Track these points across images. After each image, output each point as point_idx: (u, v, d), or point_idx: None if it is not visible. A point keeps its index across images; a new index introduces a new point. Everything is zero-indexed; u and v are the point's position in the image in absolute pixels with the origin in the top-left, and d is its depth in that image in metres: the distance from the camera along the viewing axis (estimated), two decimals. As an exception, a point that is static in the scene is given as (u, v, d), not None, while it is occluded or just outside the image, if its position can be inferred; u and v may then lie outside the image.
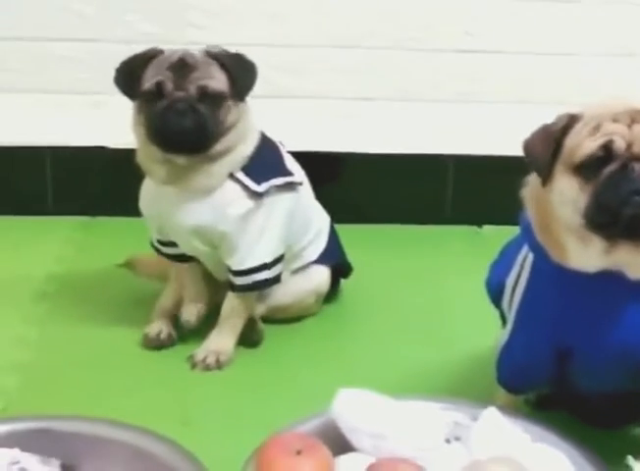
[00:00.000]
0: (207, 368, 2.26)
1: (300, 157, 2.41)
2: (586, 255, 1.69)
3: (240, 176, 2.25)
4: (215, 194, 2.24)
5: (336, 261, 2.53)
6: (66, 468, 1.71)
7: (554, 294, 1.75)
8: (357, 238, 2.78)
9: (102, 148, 3.00)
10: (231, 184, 2.24)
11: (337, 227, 2.57)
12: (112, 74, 2.90)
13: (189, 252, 2.36)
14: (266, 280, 2.32)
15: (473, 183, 3.02)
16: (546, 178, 1.70)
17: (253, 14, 2.96)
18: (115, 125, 2.98)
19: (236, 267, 2.29)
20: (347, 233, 2.66)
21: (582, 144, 1.66)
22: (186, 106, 2.16)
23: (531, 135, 1.74)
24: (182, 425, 2.00)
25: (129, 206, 2.96)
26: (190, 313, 2.37)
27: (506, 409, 1.76)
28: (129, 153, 2.96)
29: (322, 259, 2.47)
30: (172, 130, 2.17)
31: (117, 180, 3.02)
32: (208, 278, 2.42)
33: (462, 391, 2.12)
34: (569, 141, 1.68)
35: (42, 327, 2.41)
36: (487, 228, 3.00)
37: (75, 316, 2.46)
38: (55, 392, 2.14)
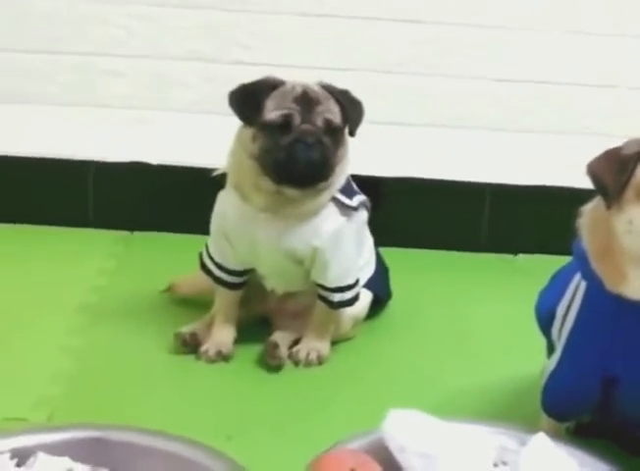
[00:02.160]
0: (310, 364, 2.34)
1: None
2: None
3: (338, 194, 2.29)
4: (314, 217, 2.27)
5: (379, 291, 2.56)
6: (115, 477, 1.72)
7: (605, 323, 1.76)
8: (394, 263, 2.79)
9: (144, 164, 3.02)
10: (329, 205, 2.28)
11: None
12: (156, 90, 3.01)
13: (267, 271, 2.38)
14: (356, 295, 2.38)
15: (509, 212, 3.04)
16: (614, 203, 1.69)
17: (297, 36, 3.00)
18: (158, 141, 3.03)
19: (334, 284, 2.33)
20: (384, 256, 2.69)
21: None
22: (314, 139, 2.18)
23: (599, 159, 1.72)
24: (226, 440, 2.02)
25: (167, 222, 3.02)
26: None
27: (551, 436, 1.78)
28: (170, 170, 3.03)
29: (367, 284, 2.49)
30: (298, 164, 2.18)
31: (157, 195, 3.05)
32: (258, 290, 2.45)
33: (504, 415, 2.14)
34: None
35: (85, 337, 2.43)
36: (522, 256, 3.02)
37: (117, 327, 2.49)
38: (99, 401, 2.16)
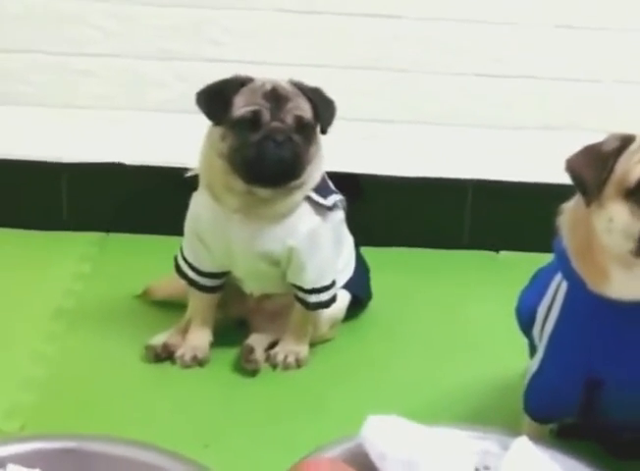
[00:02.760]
0: (288, 367, 2.32)
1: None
2: (630, 283, 1.66)
3: (312, 194, 2.25)
4: (288, 217, 2.23)
5: (359, 291, 2.52)
6: (87, 489, 1.69)
7: (587, 324, 1.73)
8: (375, 262, 2.74)
9: (119, 164, 2.97)
10: (303, 204, 2.25)
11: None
12: (130, 89, 2.96)
13: (243, 273, 2.34)
14: (333, 297, 2.35)
15: (491, 208, 3.00)
16: (593, 200, 1.65)
17: (272, 33, 2.94)
18: (133, 141, 2.98)
19: (310, 285, 2.30)
20: (365, 255, 2.65)
21: (636, 168, 1.61)
22: (284, 137, 2.13)
23: (577, 155, 1.69)
24: (203, 447, 1.98)
25: (143, 223, 2.97)
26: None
27: (532, 438, 1.74)
28: (145, 170, 2.98)
29: (345, 285, 2.45)
30: (268, 162, 2.14)
31: (132, 196, 3.00)
32: (235, 292, 2.41)
33: (486, 417, 2.12)
34: (621, 165, 1.63)
35: (59, 343, 2.39)
36: (504, 253, 2.98)
37: (92, 333, 2.44)
38: (73, 409, 2.13)
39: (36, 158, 2.96)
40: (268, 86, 2.18)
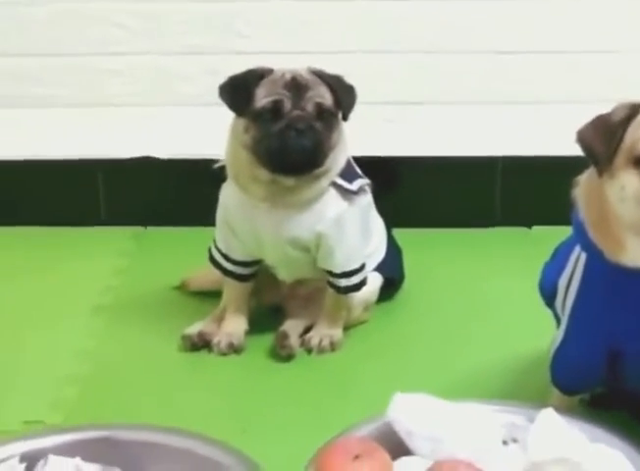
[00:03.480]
0: (322, 351, 2.35)
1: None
2: None
3: (337, 179, 2.28)
4: (314, 204, 2.26)
5: (392, 273, 2.54)
6: (127, 476, 1.73)
7: (607, 293, 1.74)
8: (407, 243, 2.77)
9: (152, 159, 3.03)
10: (329, 190, 2.28)
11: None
12: (158, 85, 3.01)
13: (274, 261, 2.38)
14: (364, 280, 2.38)
15: (522, 184, 3.01)
16: (605, 170, 1.67)
17: (294, 22, 2.98)
18: (165, 135, 3.04)
19: (340, 269, 2.33)
20: (397, 237, 2.68)
21: None
22: (305, 125, 2.16)
23: (587, 126, 1.70)
24: (241, 432, 2.02)
25: (180, 215, 3.02)
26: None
27: (561, 410, 1.76)
28: (179, 163, 3.03)
29: (377, 268, 2.48)
30: (290, 150, 2.17)
31: (166, 189, 3.06)
32: (269, 279, 2.45)
33: (517, 392, 2.13)
34: (631, 133, 1.64)
35: (100, 339, 2.45)
36: (536, 228, 2.99)
37: (130, 327, 2.49)
38: (114, 402, 2.18)
39: (72, 157, 3.02)
40: (288, 76, 2.20)
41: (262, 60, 2.81)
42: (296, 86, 2.19)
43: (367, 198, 2.39)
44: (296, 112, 2.18)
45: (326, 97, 2.22)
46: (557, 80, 2.97)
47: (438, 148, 3.01)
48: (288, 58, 2.82)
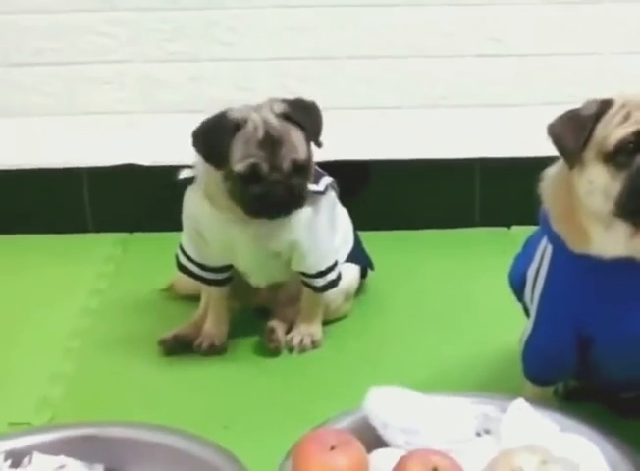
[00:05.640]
0: (304, 349, 2.40)
1: (328, 166, 2.45)
2: (610, 241, 1.72)
3: None
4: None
5: (362, 262, 2.59)
6: (110, 473, 1.76)
7: (573, 283, 1.78)
8: (387, 244, 2.84)
9: (136, 166, 3.07)
10: None
11: (365, 233, 2.64)
12: (143, 93, 3.05)
13: (246, 267, 2.41)
14: (339, 275, 2.43)
15: (500, 185, 3.06)
16: (574, 163, 1.71)
17: (276, 28, 3.01)
18: (148, 143, 3.07)
19: (314, 269, 2.38)
20: (377, 239, 2.73)
21: (614, 132, 1.67)
22: (283, 187, 2.20)
23: (558, 120, 1.75)
24: (223, 429, 2.06)
25: (164, 221, 3.05)
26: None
27: (534, 401, 1.80)
28: (161, 170, 3.06)
29: (349, 259, 2.52)
30: (270, 208, 2.22)
31: (151, 196, 3.09)
32: (245, 284, 2.48)
33: (492, 386, 2.17)
34: (601, 128, 1.70)
35: (85, 339, 2.48)
36: (515, 228, 3.03)
37: (116, 328, 2.53)
38: (99, 401, 2.21)
39: (57, 165, 3.06)
40: (260, 133, 2.20)
41: (243, 67, 2.88)
42: (271, 144, 2.20)
43: (332, 195, 2.42)
44: (274, 175, 2.20)
45: (300, 148, 2.23)
46: (533, 83, 3.02)
47: (417, 151, 3.05)
48: (269, 64, 2.89)
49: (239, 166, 2.20)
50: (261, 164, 2.20)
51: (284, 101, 2.26)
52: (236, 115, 2.22)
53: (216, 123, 2.23)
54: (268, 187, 2.20)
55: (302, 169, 2.24)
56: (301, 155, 2.24)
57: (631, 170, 1.67)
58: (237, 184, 2.21)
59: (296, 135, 2.24)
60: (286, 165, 2.21)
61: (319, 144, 2.27)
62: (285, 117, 2.23)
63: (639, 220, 1.70)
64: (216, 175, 2.25)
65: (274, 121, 2.22)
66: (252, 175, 2.20)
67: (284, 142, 2.21)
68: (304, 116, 2.26)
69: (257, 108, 2.24)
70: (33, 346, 2.45)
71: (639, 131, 1.67)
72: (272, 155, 2.20)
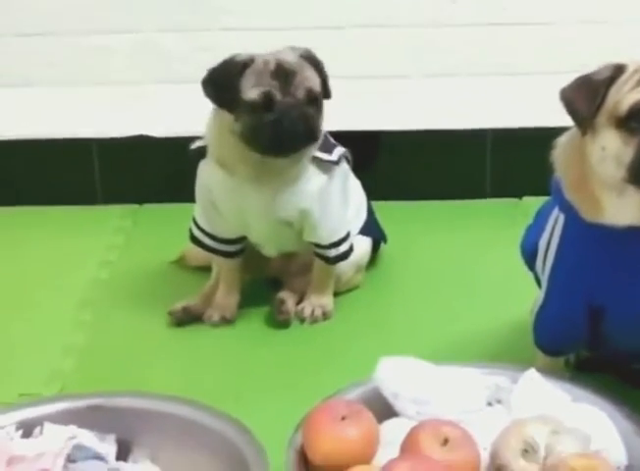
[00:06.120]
0: (315, 320, 2.40)
1: (339, 137, 2.43)
2: (623, 209, 1.71)
3: (317, 153, 2.29)
4: (298, 181, 2.28)
5: (375, 235, 2.58)
6: (121, 443, 1.77)
7: (585, 253, 1.77)
8: (399, 215, 2.82)
9: (146, 137, 3.06)
10: (310, 165, 2.29)
11: (377, 204, 2.62)
12: (151, 63, 3.03)
13: (259, 237, 2.40)
14: (351, 246, 2.42)
15: (511, 156, 3.04)
16: (587, 129, 1.69)
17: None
18: (157, 114, 3.06)
19: (327, 240, 2.37)
20: (389, 210, 2.72)
21: (627, 97, 1.65)
22: (297, 113, 2.16)
23: (571, 85, 1.73)
24: (234, 399, 2.06)
25: (175, 192, 3.05)
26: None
27: (545, 371, 1.80)
28: (171, 141, 3.05)
29: (362, 231, 2.51)
30: (285, 138, 2.17)
31: (161, 167, 3.09)
32: (257, 255, 2.48)
33: (503, 356, 2.17)
34: (613, 93, 1.67)
35: (97, 310, 2.49)
36: (527, 199, 3.01)
37: (126, 300, 2.53)
38: (110, 372, 2.22)
39: (67, 135, 3.05)
40: (272, 64, 2.18)
41: (251, 37, 2.86)
42: (284, 74, 2.17)
43: (345, 166, 2.41)
44: (288, 100, 2.17)
45: (313, 80, 2.21)
46: (545, 52, 2.99)
47: (428, 121, 3.03)
48: (277, 34, 2.86)
49: (250, 94, 2.15)
50: (274, 92, 2.16)
51: (305, 49, 2.24)
52: (242, 56, 2.20)
53: (223, 65, 2.21)
54: (282, 113, 2.15)
55: (317, 101, 2.21)
56: (316, 86, 2.20)
57: None
58: (250, 117, 2.17)
59: (310, 72, 2.21)
60: (300, 93, 2.18)
61: (330, 95, 2.25)
62: (300, 55, 2.22)
63: None
64: (227, 124, 2.21)
65: (288, 56, 2.21)
66: (265, 102, 2.16)
67: (297, 73, 2.18)
68: (321, 66, 2.24)
69: (272, 51, 2.23)
70: (44, 318, 2.45)
71: None
72: (285, 83, 2.17)
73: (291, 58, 2.21)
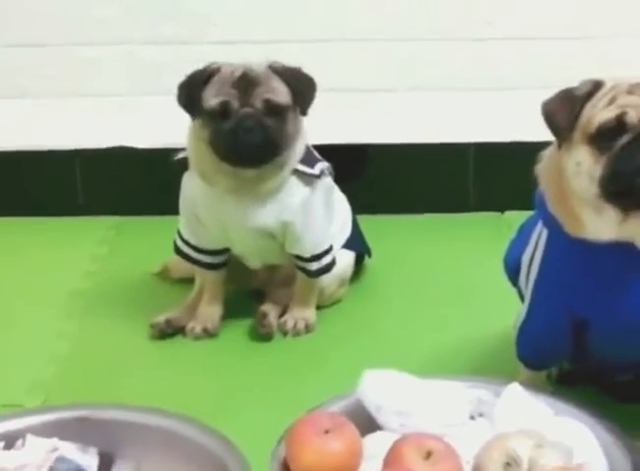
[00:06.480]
0: (298, 333, 2.40)
1: (323, 150, 2.45)
2: (600, 225, 1.72)
3: (298, 166, 2.31)
4: (279, 193, 2.29)
5: (359, 249, 2.59)
6: (104, 456, 1.75)
7: (569, 267, 1.78)
8: (382, 228, 2.83)
9: (128, 148, 3.05)
10: (291, 178, 2.31)
11: (361, 217, 2.63)
12: (137, 75, 3.04)
13: (242, 249, 2.41)
14: (333, 260, 2.43)
15: (494, 170, 3.06)
16: (565, 142, 1.71)
17: (272, 10, 3.00)
18: (142, 125, 3.06)
19: (309, 253, 2.38)
20: (372, 223, 2.72)
21: (598, 115, 1.68)
22: (253, 122, 2.18)
23: (553, 98, 1.76)
24: (217, 412, 2.06)
25: (157, 204, 3.05)
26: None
27: (528, 385, 1.80)
28: (154, 152, 3.05)
29: (346, 245, 2.52)
30: (241, 148, 2.20)
31: (144, 179, 3.08)
32: (241, 266, 2.48)
33: (486, 370, 2.17)
34: (588, 109, 1.70)
35: (79, 321, 2.49)
36: (509, 213, 3.03)
37: (109, 311, 2.53)
38: (92, 383, 2.22)
39: (49, 147, 3.05)
40: (237, 73, 2.21)
41: (237, 50, 2.85)
42: (246, 83, 2.20)
43: (328, 180, 2.42)
44: (245, 110, 2.19)
45: (277, 91, 2.22)
46: (529, 67, 3.01)
47: (412, 135, 3.04)
48: (264, 47, 2.87)
49: (210, 103, 2.20)
50: (231, 101, 2.19)
51: (280, 63, 2.26)
52: (213, 65, 2.24)
53: (191, 74, 2.26)
54: (238, 122, 2.18)
55: (278, 112, 2.22)
56: (277, 98, 2.22)
57: (611, 153, 1.67)
58: (210, 126, 2.21)
59: (279, 84, 2.23)
60: (258, 103, 2.20)
61: (304, 111, 2.26)
62: (272, 70, 2.24)
63: (623, 203, 1.69)
64: (198, 132, 2.25)
65: (257, 66, 2.24)
66: (222, 111, 2.19)
67: (260, 83, 2.21)
68: (295, 79, 2.25)
69: (247, 62, 2.25)
70: (26, 329, 2.45)
71: (621, 116, 1.67)
72: (244, 93, 2.20)
73: (259, 69, 2.23)
